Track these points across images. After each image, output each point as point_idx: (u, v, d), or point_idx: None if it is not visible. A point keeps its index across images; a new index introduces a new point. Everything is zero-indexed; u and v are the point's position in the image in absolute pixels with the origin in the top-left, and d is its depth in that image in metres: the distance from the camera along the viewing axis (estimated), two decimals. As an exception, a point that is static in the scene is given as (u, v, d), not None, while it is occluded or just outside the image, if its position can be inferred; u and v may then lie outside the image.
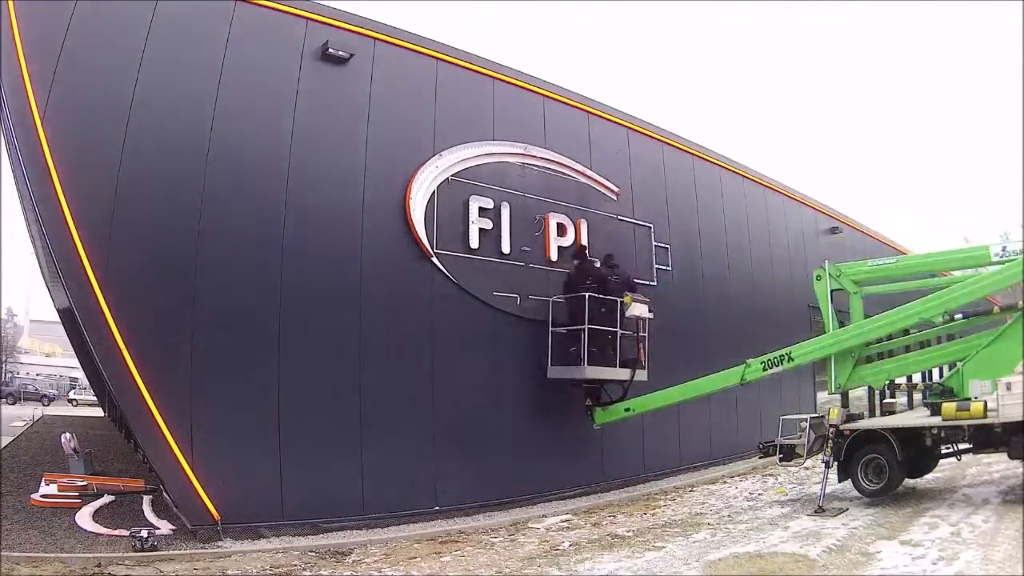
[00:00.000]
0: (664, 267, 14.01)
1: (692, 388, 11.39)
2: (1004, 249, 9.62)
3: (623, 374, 11.46)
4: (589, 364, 10.87)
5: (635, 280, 12.07)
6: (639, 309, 11.45)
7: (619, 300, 11.28)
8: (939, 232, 76.29)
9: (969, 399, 8.97)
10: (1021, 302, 9.43)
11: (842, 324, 10.77)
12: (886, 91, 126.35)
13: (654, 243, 13.84)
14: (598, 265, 11.84)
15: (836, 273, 10.78)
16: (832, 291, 10.74)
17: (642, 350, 11.71)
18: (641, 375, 11.67)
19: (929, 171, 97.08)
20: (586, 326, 10.84)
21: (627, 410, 11.49)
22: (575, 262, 11.75)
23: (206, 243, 8.64)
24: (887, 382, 10.90)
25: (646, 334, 11.81)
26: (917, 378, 12.37)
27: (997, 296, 10.25)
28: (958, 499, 9.35)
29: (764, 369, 10.59)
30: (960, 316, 9.97)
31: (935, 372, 13.82)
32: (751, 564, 6.92)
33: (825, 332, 10.71)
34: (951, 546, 6.90)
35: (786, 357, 10.49)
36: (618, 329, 11.23)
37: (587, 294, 10.94)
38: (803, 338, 11.40)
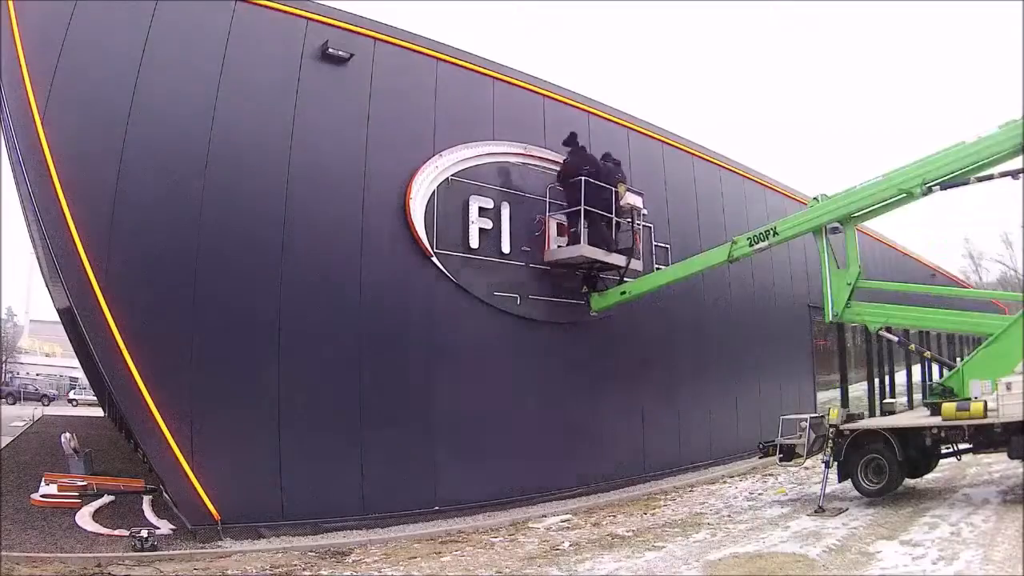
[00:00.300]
0: (664, 267, 14.00)
1: (683, 267, 11.75)
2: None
3: (619, 259, 11.78)
4: (587, 244, 11.17)
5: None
6: (633, 199, 11.90)
7: (614, 189, 11.58)
8: (939, 232, 76.19)
9: (969, 399, 8.98)
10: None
11: (836, 259, 10.50)
12: (885, 91, 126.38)
13: (654, 243, 13.84)
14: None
15: (825, 210, 10.44)
16: (827, 226, 10.47)
17: (638, 239, 12.11)
18: (636, 264, 12.05)
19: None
20: (582, 207, 11.13)
21: (623, 293, 11.77)
22: (568, 149, 11.85)
23: (206, 243, 8.64)
24: (883, 327, 10.46)
25: (640, 224, 12.30)
26: (916, 373, 12.33)
27: (1001, 301, 10.06)
28: (958, 499, 9.35)
29: (750, 245, 10.63)
30: (937, 188, 9.52)
31: (935, 372, 13.83)
32: (751, 564, 6.92)
33: (823, 267, 10.56)
34: (951, 546, 6.90)
35: (771, 232, 10.55)
36: (613, 216, 11.56)
37: (583, 178, 11.18)
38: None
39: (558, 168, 12.11)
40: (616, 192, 11.61)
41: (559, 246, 11.64)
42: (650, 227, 13.81)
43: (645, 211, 12.35)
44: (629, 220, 12.08)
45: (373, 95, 10.20)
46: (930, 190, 9.38)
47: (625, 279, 12.00)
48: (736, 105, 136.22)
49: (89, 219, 7.91)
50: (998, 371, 9.09)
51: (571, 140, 11.91)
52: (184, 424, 8.26)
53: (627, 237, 12.08)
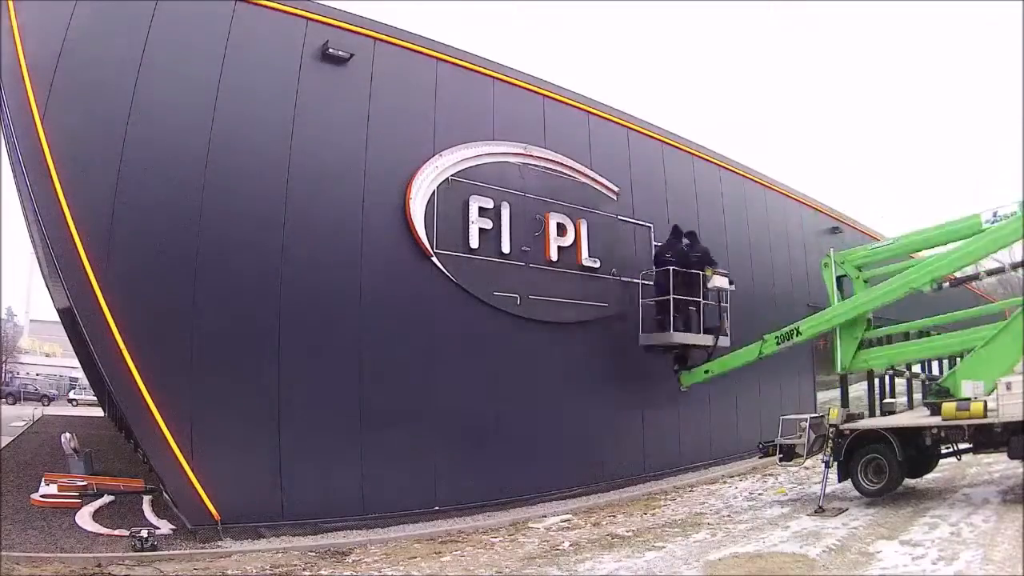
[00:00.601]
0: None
1: (732, 359, 12.39)
2: (995, 215, 9.57)
3: (707, 339, 12.51)
4: (675, 331, 12.08)
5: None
6: (720, 281, 12.57)
7: (701, 273, 12.35)
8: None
9: (968, 399, 8.98)
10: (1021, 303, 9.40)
11: None
12: (886, 90, 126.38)
13: (654, 243, 13.84)
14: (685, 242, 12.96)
15: (840, 260, 11.22)
16: (838, 278, 11.18)
17: (724, 318, 12.75)
18: (723, 341, 12.64)
19: (929, 170, 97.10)
20: (671, 296, 12.03)
21: (706, 372, 12.57)
22: (669, 238, 12.91)
23: (206, 242, 8.64)
24: (889, 368, 11.23)
25: (727, 304, 12.90)
26: (916, 368, 12.45)
27: (993, 294, 10.28)
28: (958, 499, 9.34)
29: (777, 343, 11.60)
30: (947, 285, 9.92)
31: (935, 365, 13.89)
32: (751, 564, 6.92)
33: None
34: (951, 546, 6.89)
35: (795, 331, 11.34)
36: (700, 299, 12.37)
37: (671, 268, 12.16)
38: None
39: (559, 172, 12.15)
40: (703, 275, 12.41)
41: (648, 332, 12.54)
42: (650, 227, 13.82)
43: (732, 288, 12.98)
44: (718, 300, 12.79)
45: (373, 95, 10.20)
46: (940, 287, 9.78)
47: (712, 356, 12.69)
48: (736, 105, 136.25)
49: (89, 219, 7.92)
50: (994, 372, 9.11)
51: (674, 232, 13.00)
52: (184, 424, 8.26)
53: (713, 315, 12.72)
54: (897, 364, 11.29)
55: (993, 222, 9.55)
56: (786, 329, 11.50)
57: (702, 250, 12.86)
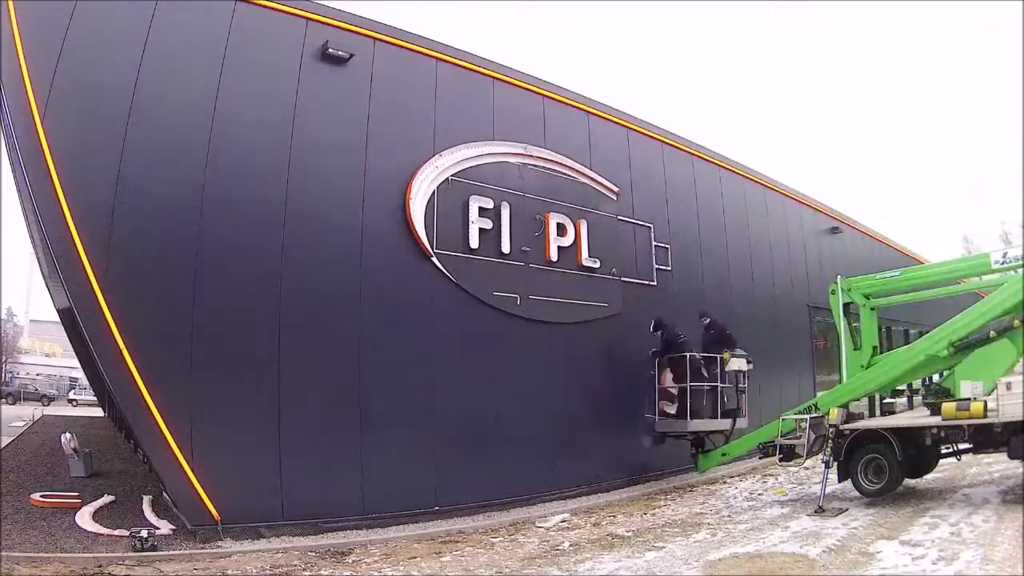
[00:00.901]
0: (664, 267, 14.02)
1: (747, 441, 12.26)
2: (1004, 256, 9.67)
3: (724, 424, 12.28)
4: (692, 419, 11.92)
5: (728, 332, 12.84)
6: (738, 364, 12.38)
7: (719, 357, 12.15)
8: (939, 231, 76.22)
9: (968, 399, 8.98)
10: (1017, 319, 9.35)
11: (854, 337, 10.95)
12: (886, 90, 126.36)
13: (654, 243, 13.85)
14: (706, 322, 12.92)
15: (847, 287, 11.19)
16: (845, 304, 11.15)
17: (743, 400, 12.61)
18: (741, 423, 12.45)
19: (929, 170, 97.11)
20: (688, 384, 11.87)
21: (723, 455, 12.48)
22: (664, 329, 12.66)
23: (206, 242, 8.64)
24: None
25: (746, 385, 12.73)
26: (916, 384, 12.50)
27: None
28: (958, 499, 9.34)
29: (723, 455, 12.01)
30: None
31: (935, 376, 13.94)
32: (751, 564, 6.92)
33: (839, 344, 11.17)
34: (951, 546, 6.89)
35: (814, 407, 11.04)
36: (719, 384, 12.14)
37: (688, 354, 12.00)
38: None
39: (559, 172, 12.14)
40: (721, 359, 12.24)
41: (668, 415, 12.30)
42: (650, 227, 13.83)
43: (751, 367, 12.83)
44: (736, 382, 12.63)
45: (373, 95, 10.20)
46: (957, 351, 9.80)
47: (729, 439, 12.57)
48: (736, 105, 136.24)
49: (89, 219, 7.91)
50: (992, 372, 9.13)
51: (656, 323, 12.75)
52: (184, 424, 8.25)
53: (731, 397, 12.60)
54: (900, 385, 11.37)
55: (1003, 263, 9.61)
56: (805, 405, 11.37)
57: (719, 329, 12.72)
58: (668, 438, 12.63)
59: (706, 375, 12.18)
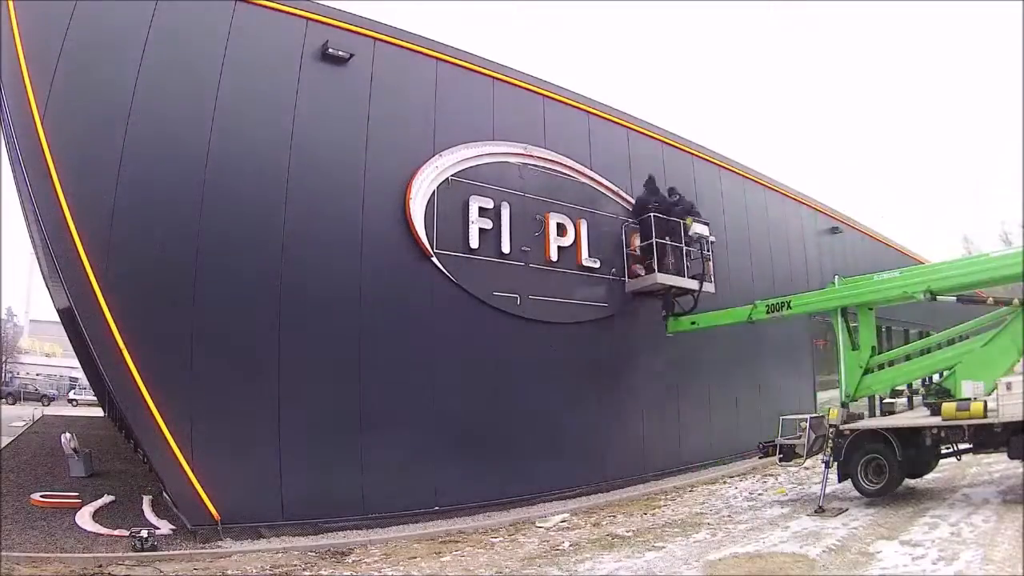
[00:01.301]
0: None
1: (728, 315, 12.75)
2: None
3: (692, 283, 12.97)
4: (660, 272, 12.49)
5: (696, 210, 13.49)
6: (700, 228, 13.16)
7: (682, 222, 12.82)
8: (939, 231, 76.19)
9: (969, 399, 8.98)
10: (1017, 299, 9.41)
11: (852, 338, 10.91)
12: (886, 90, 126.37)
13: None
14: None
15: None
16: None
17: (708, 267, 13.31)
18: (708, 287, 13.13)
19: (929, 170, 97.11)
20: (654, 240, 12.49)
21: (692, 323, 12.96)
22: (644, 188, 13.21)
23: (206, 242, 8.64)
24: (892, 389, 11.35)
25: (710, 252, 13.50)
26: (917, 384, 12.49)
27: (991, 293, 10.28)
28: (958, 499, 9.34)
29: (767, 312, 11.92)
30: (953, 299, 9.94)
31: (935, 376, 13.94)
32: (751, 564, 6.92)
33: (837, 347, 11.05)
34: (951, 546, 6.89)
35: (786, 304, 11.66)
36: (682, 245, 12.88)
37: (653, 214, 12.59)
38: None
39: (559, 172, 12.13)
40: (684, 224, 12.87)
41: (639, 276, 12.91)
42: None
43: (713, 238, 13.56)
44: (699, 248, 13.28)
45: (373, 95, 10.20)
46: (934, 297, 9.80)
47: (698, 301, 13.06)
48: (736, 105, 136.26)
49: (89, 219, 7.92)
50: (992, 372, 9.12)
51: (648, 182, 13.24)
52: (184, 424, 8.26)
53: (697, 264, 13.22)
54: (899, 385, 11.33)
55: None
56: (778, 300, 11.87)
57: (686, 203, 13.32)
58: (639, 296, 13.05)
59: (670, 241, 12.81)
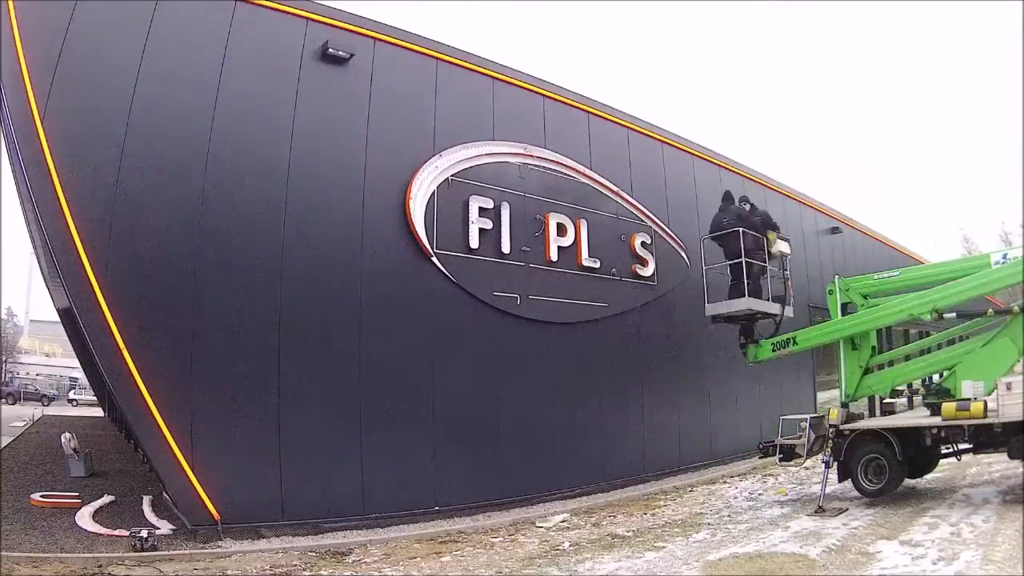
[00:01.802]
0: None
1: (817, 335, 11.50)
2: (1005, 257, 9.66)
3: (775, 307, 11.71)
4: (749, 295, 11.21)
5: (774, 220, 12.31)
6: (783, 246, 11.92)
7: (763, 237, 11.62)
8: (939, 230, 76.20)
9: (968, 399, 8.98)
10: (1016, 305, 9.39)
11: (852, 337, 10.88)
12: (886, 91, 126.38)
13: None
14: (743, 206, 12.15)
15: (845, 287, 11.05)
16: (843, 304, 10.98)
17: (790, 287, 12.07)
18: (789, 311, 11.90)
19: (929, 170, 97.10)
20: (743, 260, 11.16)
21: (773, 349, 11.69)
22: (722, 204, 12.14)
23: (206, 242, 8.64)
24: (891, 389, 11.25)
25: (789, 271, 12.28)
26: (917, 384, 12.47)
27: (999, 298, 10.29)
28: (958, 499, 9.34)
29: (773, 350, 11.33)
30: (953, 315, 9.99)
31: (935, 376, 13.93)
32: (751, 564, 6.92)
33: (838, 344, 10.93)
34: (951, 546, 6.89)
35: (792, 340, 11.18)
36: (767, 264, 11.64)
37: (740, 229, 11.26)
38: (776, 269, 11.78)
39: (559, 172, 12.12)
40: (767, 239, 11.63)
41: (713, 302, 11.79)
42: (650, 226, 13.80)
43: (790, 254, 12.44)
44: (780, 267, 12.12)
45: (373, 95, 10.20)
46: (940, 316, 9.74)
47: (780, 326, 11.89)
48: (736, 105, 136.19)
49: (89, 219, 7.92)
50: (992, 372, 9.11)
51: (726, 196, 12.20)
52: (184, 424, 8.26)
53: (778, 284, 12.02)
54: (899, 385, 11.29)
55: (1003, 263, 9.62)
56: (784, 336, 11.34)
57: (761, 214, 12.08)
58: (717, 320, 12.01)
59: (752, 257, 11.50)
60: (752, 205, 12.15)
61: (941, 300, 9.73)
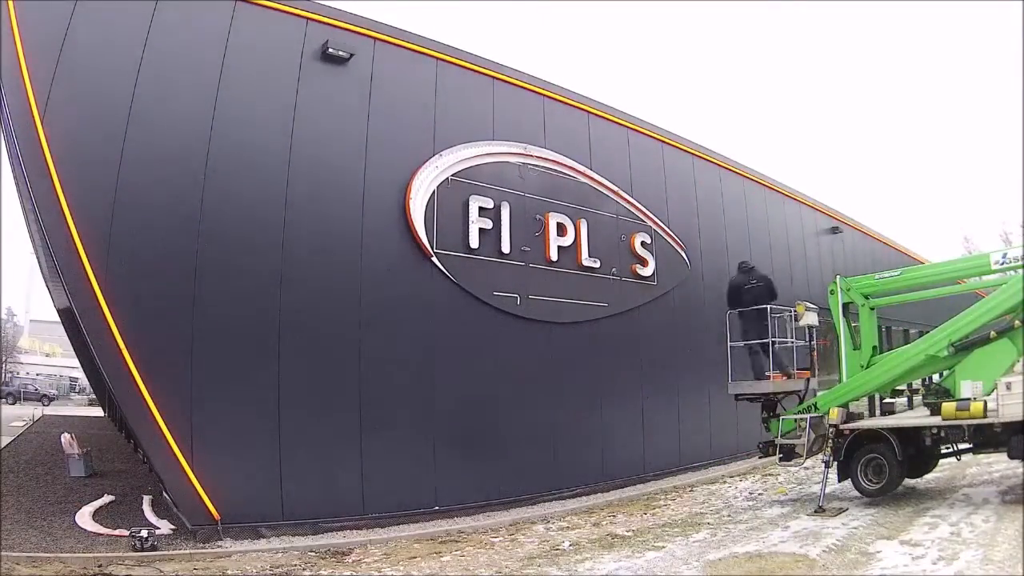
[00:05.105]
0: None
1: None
2: (1004, 256, 9.63)
3: (799, 385, 11.41)
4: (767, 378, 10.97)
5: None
6: (810, 318, 11.31)
7: (792, 310, 11.26)
8: (939, 230, 76.19)
9: (969, 399, 8.97)
10: (1018, 319, 9.32)
11: (853, 337, 10.85)
12: (886, 91, 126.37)
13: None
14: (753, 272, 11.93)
15: (846, 287, 10.96)
16: (844, 304, 10.90)
17: (816, 358, 11.64)
18: (814, 383, 11.56)
19: (929, 170, 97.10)
20: (771, 339, 10.89)
21: (796, 422, 11.28)
22: (739, 272, 11.91)
23: (206, 243, 8.64)
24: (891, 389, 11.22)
25: (815, 342, 11.74)
26: (916, 384, 12.43)
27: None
28: (958, 499, 9.34)
29: (796, 424, 10.77)
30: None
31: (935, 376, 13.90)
32: (751, 564, 6.92)
33: (838, 343, 10.85)
34: (951, 546, 6.89)
35: (812, 407, 10.71)
36: (794, 340, 11.28)
37: (770, 306, 11.01)
38: (803, 338, 11.53)
39: (559, 172, 12.12)
40: (795, 312, 11.22)
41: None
42: (649, 227, 13.80)
43: (817, 326, 11.81)
44: (807, 339, 11.56)
45: (373, 95, 10.20)
46: (957, 351, 9.63)
47: (804, 400, 11.47)
48: (736, 105, 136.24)
49: (89, 219, 7.91)
50: (991, 372, 9.11)
51: (742, 265, 12.04)
52: (184, 424, 8.26)
53: (804, 356, 11.59)
54: (899, 385, 11.25)
55: (1003, 264, 9.57)
56: (804, 405, 10.96)
57: (767, 282, 11.76)
58: (740, 400, 11.70)
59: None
60: (753, 269, 11.86)
61: (955, 333, 9.62)
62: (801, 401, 11.50)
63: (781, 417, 11.26)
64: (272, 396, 8.88)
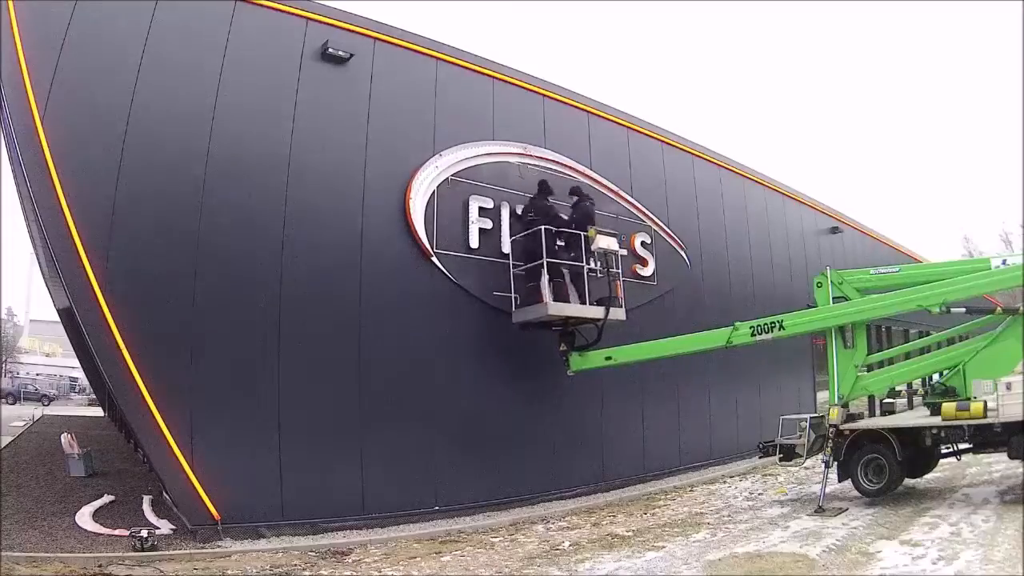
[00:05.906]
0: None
1: (677, 344, 10.93)
2: (1004, 262, 9.65)
3: (595, 311, 10.63)
4: (553, 301, 10.20)
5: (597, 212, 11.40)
6: (606, 242, 10.65)
7: (583, 234, 10.66)
8: (939, 230, 76.23)
9: (969, 399, 8.98)
10: (1022, 306, 9.39)
11: (844, 335, 10.69)
12: (886, 90, 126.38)
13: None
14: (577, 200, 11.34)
15: (838, 280, 10.44)
16: (834, 298, 10.37)
17: (618, 287, 10.96)
18: (618, 313, 10.93)
19: (929, 170, 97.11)
20: (544, 260, 10.19)
21: (607, 358, 10.87)
22: (530, 198, 11.25)
23: (206, 243, 8.63)
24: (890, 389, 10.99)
25: (618, 270, 11.14)
26: (916, 384, 12.36)
27: (999, 298, 10.20)
28: (958, 499, 9.35)
29: (752, 335, 10.25)
30: (963, 311, 9.72)
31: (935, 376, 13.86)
32: (751, 564, 6.92)
33: (827, 340, 10.38)
34: (951, 546, 6.90)
35: (777, 324, 10.17)
36: (584, 264, 10.57)
37: (543, 227, 10.29)
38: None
39: (559, 172, 12.11)
40: (586, 236, 10.63)
41: (523, 307, 10.71)
42: (649, 227, 13.80)
43: (623, 252, 11.43)
44: (603, 266, 10.88)
45: (373, 95, 10.20)
46: (948, 310, 9.44)
47: (602, 332, 10.98)
48: (736, 105, 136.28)
49: (89, 219, 7.91)
50: (998, 371, 9.11)
51: (541, 184, 11.35)
52: (184, 424, 8.26)
53: (603, 285, 10.97)
54: (898, 385, 11.10)
55: (1002, 268, 9.61)
56: (768, 320, 10.28)
57: (588, 209, 11.10)
58: (529, 328, 10.92)
59: (571, 255, 10.65)
60: (580, 197, 11.32)
61: (952, 294, 9.42)
62: (600, 334, 10.88)
63: (584, 352, 10.66)
64: (272, 396, 8.88)
